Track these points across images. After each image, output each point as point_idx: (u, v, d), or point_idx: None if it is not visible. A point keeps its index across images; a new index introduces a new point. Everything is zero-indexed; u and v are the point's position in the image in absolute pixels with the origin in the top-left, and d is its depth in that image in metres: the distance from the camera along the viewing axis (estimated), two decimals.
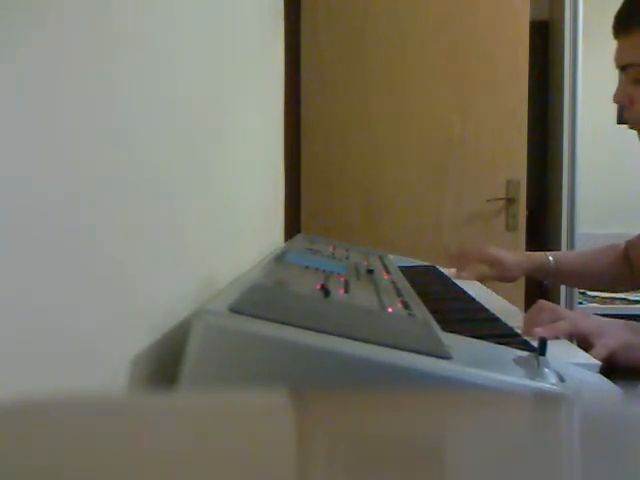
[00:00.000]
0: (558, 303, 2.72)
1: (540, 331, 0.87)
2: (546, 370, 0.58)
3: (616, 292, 2.53)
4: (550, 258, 1.42)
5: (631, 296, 2.72)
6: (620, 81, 1.15)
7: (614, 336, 0.87)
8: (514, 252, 1.51)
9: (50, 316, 0.45)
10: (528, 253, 1.53)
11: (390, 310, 0.76)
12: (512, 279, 1.44)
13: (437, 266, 1.57)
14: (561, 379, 0.58)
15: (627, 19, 1.10)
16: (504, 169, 2.37)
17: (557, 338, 0.87)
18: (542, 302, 0.96)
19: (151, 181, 0.66)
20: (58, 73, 0.46)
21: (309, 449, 0.29)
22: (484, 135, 2.36)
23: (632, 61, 1.11)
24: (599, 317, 0.94)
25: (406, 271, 1.30)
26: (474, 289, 1.25)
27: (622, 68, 1.13)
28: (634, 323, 0.92)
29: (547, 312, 0.94)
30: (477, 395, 0.47)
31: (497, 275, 1.42)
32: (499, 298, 1.24)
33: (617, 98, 1.16)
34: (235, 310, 0.55)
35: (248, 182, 1.24)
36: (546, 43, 3.05)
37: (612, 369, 0.80)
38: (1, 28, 0.40)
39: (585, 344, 0.87)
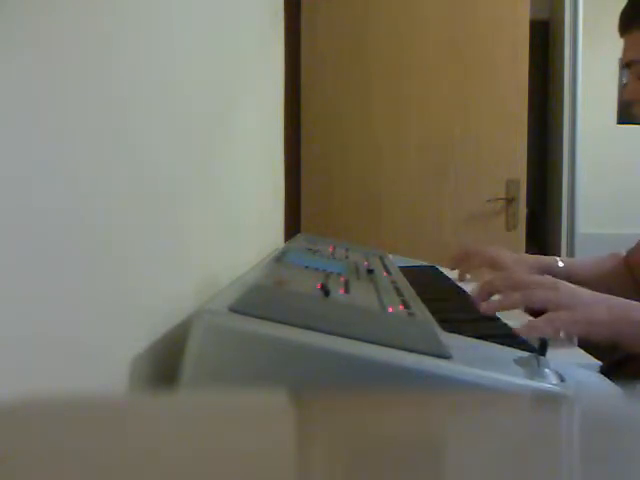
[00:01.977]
0: None
1: (485, 307, 0.81)
2: (546, 370, 0.58)
3: None
4: (560, 263, 1.39)
5: None
6: (623, 79, 1.19)
7: (572, 312, 0.79)
8: (521, 254, 1.49)
9: (50, 316, 0.45)
10: (537, 256, 1.50)
11: (390, 310, 0.76)
12: None
13: (437, 266, 1.57)
14: (561, 379, 0.58)
15: (631, 17, 1.14)
16: (504, 169, 2.37)
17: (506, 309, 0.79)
18: (511, 271, 0.90)
19: (151, 181, 0.66)
20: (58, 73, 0.46)
21: (309, 449, 0.29)
22: (484, 135, 2.36)
23: (636, 57, 1.14)
24: (573, 287, 0.85)
25: (406, 271, 1.30)
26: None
27: (628, 65, 1.16)
28: (613, 298, 0.84)
29: (503, 279, 0.87)
30: (477, 395, 0.47)
31: None
32: (499, 298, 1.24)
33: (626, 95, 1.18)
34: (235, 310, 0.55)
35: (248, 182, 1.24)
36: (546, 43, 3.05)
37: (612, 369, 0.79)
38: (1, 28, 0.40)
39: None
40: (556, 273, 1.38)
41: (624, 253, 1.42)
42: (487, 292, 0.86)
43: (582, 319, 0.80)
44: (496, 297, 0.86)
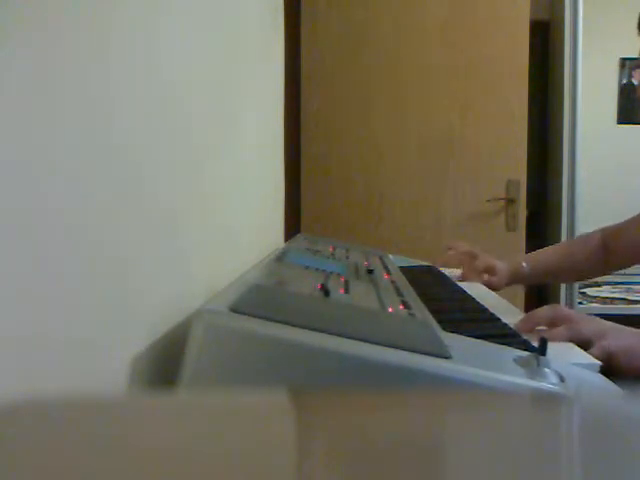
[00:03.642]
0: (558, 302, 2.72)
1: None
2: (546, 370, 0.58)
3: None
4: (523, 264, 1.45)
5: (631, 296, 2.72)
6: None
7: (616, 339, 0.86)
8: (502, 260, 1.51)
9: (50, 316, 0.45)
10: (510, 259, 1.53)
11: (390, 310, 0.76)
12: (501, 287, 1.46)
13: (437, 266, 1.57)
14: (561, 379, 0.58)
15: None
16: (504, 169, 2.37)
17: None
18: (555, 305, 0.97)
19: (151, 181, 0.66)
20: (58, 73, 0.46)
21: (309, 449, 0.29)
22: (484, 135, 2.36)
23: None
24: (605, 321, 0.93)
25: (406, 271, 1.30)
26: (474, 289, 1.25)
27: None
28: None
29: (547, 311, 0.93)
30: (477, 395, 0.47)
31: (490, 283, 1.43)
32: (499, 298, 1.24)
33: None
34: (235, 310, 0.55)
35: (248, 182, 1.24)
36: (546, 43, 3.05)
37: (612, 370, 0.80)
38: (1, 28, 0.40)
39: (586, 347, 0.87)
40: (522, 274, 1.44)
41: (599, 234, 1.46)
42: (533, 323, 0.91)
43: (623, 349, 0.85)
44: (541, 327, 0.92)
